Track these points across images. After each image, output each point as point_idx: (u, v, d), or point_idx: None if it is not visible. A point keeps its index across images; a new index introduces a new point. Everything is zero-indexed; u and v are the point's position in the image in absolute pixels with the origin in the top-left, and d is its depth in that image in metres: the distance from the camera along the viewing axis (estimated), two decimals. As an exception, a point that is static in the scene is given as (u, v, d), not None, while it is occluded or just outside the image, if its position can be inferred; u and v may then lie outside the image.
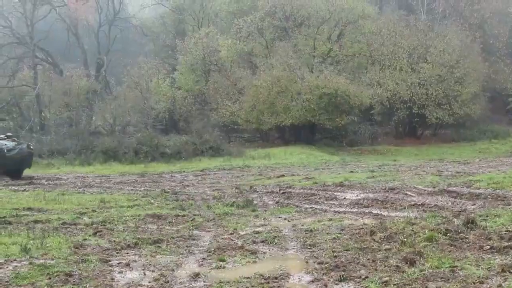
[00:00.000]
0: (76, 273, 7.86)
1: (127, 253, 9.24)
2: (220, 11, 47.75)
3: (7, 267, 8.22)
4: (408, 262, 7.88)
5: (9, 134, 25.30)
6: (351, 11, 39.69)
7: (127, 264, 8.47)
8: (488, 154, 28.49)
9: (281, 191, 16.61)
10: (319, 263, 8.20)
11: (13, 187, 20.12)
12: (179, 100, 41.39)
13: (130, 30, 54.59)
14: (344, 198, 14.94)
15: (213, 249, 9.35)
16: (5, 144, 23.07)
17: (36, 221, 12.10)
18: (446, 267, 7.57)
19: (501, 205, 12.63)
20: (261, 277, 7.59)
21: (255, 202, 14.80)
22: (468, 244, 8.85)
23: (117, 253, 9.25)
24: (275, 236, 10.22)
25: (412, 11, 45.99)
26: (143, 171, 25.93)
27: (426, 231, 9.56)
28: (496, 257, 8.12)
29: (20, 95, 45.68)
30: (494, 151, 31.48)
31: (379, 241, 9.29)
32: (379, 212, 12.68)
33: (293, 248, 9.41)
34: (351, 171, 22.36)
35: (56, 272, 7.86)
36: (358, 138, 38.05)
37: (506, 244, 8.70)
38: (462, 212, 11.86)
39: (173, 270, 8.14)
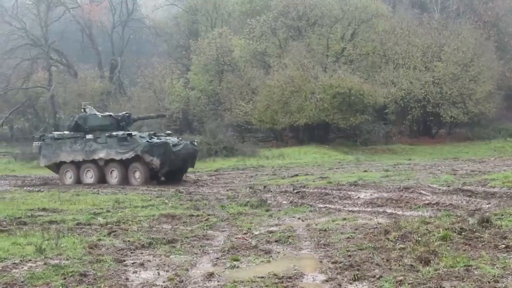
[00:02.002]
0: (91, 273, 7.89)
1: (142, 253, 9.26)
2: (233, 11, 47.79)
3: (22, 267, 8.26)
4: (423, 262, 7.85)
5: (168, 132, 24.00)
6: (365, 10, 39.58)
7: (142, 264, 8.49)
8: (503, 153, 28.32)
9: (295, 191, 16.59)
10: (333, 263, 8.19)
11: (28, 188, 20.25)
12: (193, 100, 41.45)
13: (143, 31, 54.79)
14: (358, 197, 14.90)
15: (227, 249, 9.36)
16: (169, 139, 21.44)
17: (51, 222, 12.16)
18: (461, 266, 7.54)
19: (517, 203, 12.56)
20: (275, 276, 7.59)
21: (269, 201, 14.79)
22: (483, 243, 8.80)
23: (131, 253, 9.28)
24: (289, 236, 10.20)
25: (425, 10, 45.84)
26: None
27: (441, 230, 9.52)
28: (511, 256, 8.08)
29: (35, 97, 45.96)
30: (510, 150, 31.28)
31: (394, 240, 9.26)
32: (393, 211, 12.64)
33: (307, 248, 9.39)
34: (365, 171, 22.30)
35: (71, 272, 7.89)
36: (372, 137, 37.95)
37: (521, 243, 8.66)
38: (477, 211, 11.80)
39: (187, 270, 8.15)
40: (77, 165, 21.71)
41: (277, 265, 8.25)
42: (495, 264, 7.64)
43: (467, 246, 8.69)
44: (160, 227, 11.44)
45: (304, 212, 13.14)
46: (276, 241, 9.92)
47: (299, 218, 12.28)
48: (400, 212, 12.40)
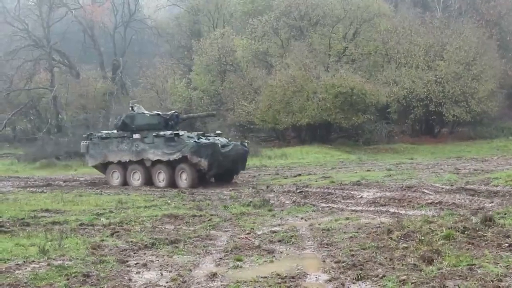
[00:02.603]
0: (94, 273, 7.90)
1: (145, 254, 9.27)
2: (235, 11, 47.82)
3: (25, 268, 8.27)
4: (426, 261, 7.85)
5: (218, 132, 22.71)
6: (366, 9, 39.58)
7: (145, 265, 8.50)
8: (506, 152, 28.29)
9: (298, 191, 16.59)
10: (336, 262, 8.19)
11: (31, 189, 20.26)
12: (195, 100, 41.48)
13: (145, 32, 54.82)
14: (361, 197, 14.90)
15: (230, 249, 9.36)
16: (218, 140, 20.44)
17: (54, 223, 12.17)
18: (464, 265, 7.54)
19: (520, 202, 12.56)
20: (278, 276, 7.59)
21: (271, 201, 14.81)
22: (486, 242, 8.80)
23: (134, 253, 9.29)
24: (292, 236, 10.21)
25: (427, 9, 45.83)
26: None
27: (444, 229, 9.52)
28: (515, 254, 8.07)
29: (37, 98, 45.99)
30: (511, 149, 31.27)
31: (397, 239, 9.26)
32: (396, 210, 12.64)
33: (310, 247, 9.40)
34: (368, 170, 22.29)
35: (74, 273, 7.89)
36: (375, 136, 37.94)
37: (525, 241, 8.66)
38: (480, 210, 11.80)
39: (190, 270, 8.16)
40: (124, 166, 21.05)
41: (280, 265, 8.25)
42: (498, 263, 7.64)
43: (470, 245, 8.69)
44: (163, 228, 11.44)
45: (307, 211, 13.15)
46: (279, 241, 9.92)
47: (302, 218, 12.28)
48: (403, 212, 12.41)
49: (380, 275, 7.38)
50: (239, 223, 11.90)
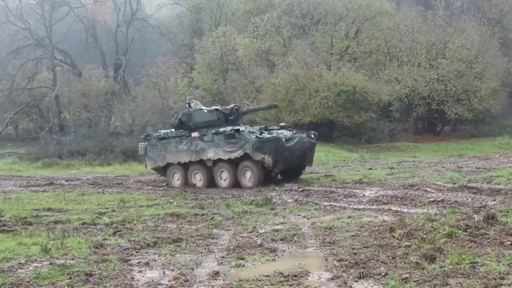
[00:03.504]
0: (96, 272, 7.91)
1: (147, 252, 9.28)
2: (237, 10, 47.78)
3: (28, 268, 8.29)
4: (428, 259, 7.85)
5: (282, 124, 20.84)
6: (368, 8, 39.54)
7: (147, 263, 8.51)
8: (509, 150, 28.25)
9: (300, 189, 16.59)
10: (338, 261, 8.19)
11: (33, 188, 20.28)
12: (197, 99, 41.41)
13: (147, 30, 54.77)
14: (363, 195, 14.91)
15: (232, 248, 9.37)
16: (282, 133, 18.88)
17: (56, 222, 12.20)
18: (467, 264, 7.54)
19: (522, 200, 12.56)
20: (281, 275, 7.60)
21: (274, 200, 14.81)
22: (489, 240, 8.80)
23: (136, 252, 9.30)
24: (294, 234, 10.22)
25: (429, 7, 45.77)
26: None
27: (446, 227, 9.52)
28: (517, 252, 8.07)
29: (39, 97, 45.99)
30: (514, 146, 31.22)
31: (399, 238, 9.26)
32: (398, 208, 12.64)
33: (313, 246, 9.40)
34: (370, 168, 22.28)
35: (76, 272, 7.91)
36: (377, 135, 37.87)
37: (527, 239, 8.66)
38: (483, 208, 11.80)
39: (192, 269, 8.17)
40: (185, 167, 19.82)
41: (283, 264, 8.26)
42: (500, 261, 7.64)
43: (472, 243, 8.69)
44: (165, 226, 11.46)
45: (309, 210, 13.15)
46: (281, 239, 9.93)
47: (304, 216, 12.29)
48: (405, 210, 12.40)
49: (383, 273, 7.38)
50: (241, 221, 11.91)
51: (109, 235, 10.63)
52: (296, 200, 14.83)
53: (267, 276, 7.57)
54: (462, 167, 20.48)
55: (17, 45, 46.03)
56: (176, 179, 20.14)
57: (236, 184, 18.51)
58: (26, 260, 8.69)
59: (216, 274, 7.76)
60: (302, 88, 35.02)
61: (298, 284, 7.24)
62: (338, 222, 11.27)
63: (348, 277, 7.38)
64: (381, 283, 7.09)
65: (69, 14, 48.98)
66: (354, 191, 15.63)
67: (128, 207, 14.40)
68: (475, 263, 7.57)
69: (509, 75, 40.21)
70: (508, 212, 10.98)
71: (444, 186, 15.43)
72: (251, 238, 10.16)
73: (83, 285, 7.40)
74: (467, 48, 36.78)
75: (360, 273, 7.43)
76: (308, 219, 11.97)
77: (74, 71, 47.88)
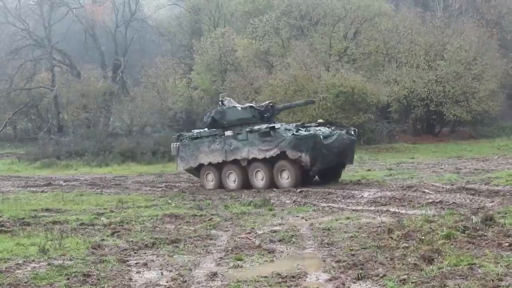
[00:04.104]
0: (94, 273, 7.91)
1: (145, 253, 9.28)
2: (235, 11, 47.73)
3: (25, 268, 8.29)
4: (426, 260, 7.86)
5: (320, 120, 19.94)
6: (367, 9, 39.51)
7: (145, 264, 8.51)
8: (507, 151, 28.21)
9: (298, 190, 16.59)
10: (336, 262, 8.20)
11: (31, 188, 20.27)
12: (196, 100, 41.42)
13: (146, 31, 54.74)
14: (362, 196, 14.92)
15: (230, 249, 9.38)
16: (319, 130, 17.84)
17: (54, 222, 12.21)
18: (465, 265, 7.54)
19: (520, 202, 12.57)
20: (279, 276, 7.60)
21: (272, 201, 14.83)
22: (487, 242, 8.81)
23: (135, 253, 9.31)
24: (293, 235, 10.23)
25: (428, 8, 45.77)
26: (160, 171, 26.01)
27: (444, 228, 9.53)
28: (515, 254, 8.08)
29: (38, 97, 45.96)
30: (512, 148, 31.24)
31: (397, 239, 9.27)
32: (396, 210, 12.65)
33: (311, 247, 9.41)
34: (369, 169, 22.32)
35: (74, 272, 7.92)
36: (376, 136, 37.82)
37: (525, 241, 8.66)
38: (481, 209, 11.81)
39: (190, 269, 8.17)
40: (218, 167, 19.01)
41: (281, 265, 8.27)
42: (499, 263, 7.65)
43: (470, 244, 8.70)
44: (163, 227, 11.47)
45: (307, 211, 13.16)
46: (279, 240, 9.93)
47: (302, 218, 12.30)
48: (403, 211, 12.42)
49: (381, 275, 7.38)
50: (240, 222, 11.92)
51: (107, 236, 10.64)
52: (294, 201, 14.85)
53: (265, 277, 7.57)
54: (460, 169, 20.50)
55: (16, 45, 46.02)
56: (210, 181, 19.40)
57: (272, 184, 17.72)
58: (24, 261, 8.69)
59: (214, 275, 7.77)
60: (301, 89, 35.00)
61: (296, 285, 7.24)
62: (336, 223, 11.28)
63: (346, 278, 7.38)
64: (379, 284, 7.09)
65: (68, 15, 48.97)
66: (353, 192, 15.66)
67: (126, 207, 14.41)
68: (473, 264, 7.58)
69: (508, 77, 40.20)
70: (506, 213, 10.99)
71: (443, 188, 15.45)
72: (249, 239, 10.16)
73: (81, 286, 7.40)
74: (466, 49, 36.77)
75: (358, 274, 7.43)
76: (306, 220, 11.98)
77: (73, 71, 47.86)
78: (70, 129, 39.62)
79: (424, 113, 38.07)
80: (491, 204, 12.50)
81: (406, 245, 8.82)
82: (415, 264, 7.75)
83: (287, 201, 14.93)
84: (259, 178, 18.11)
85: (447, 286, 6.81)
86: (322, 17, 40.38)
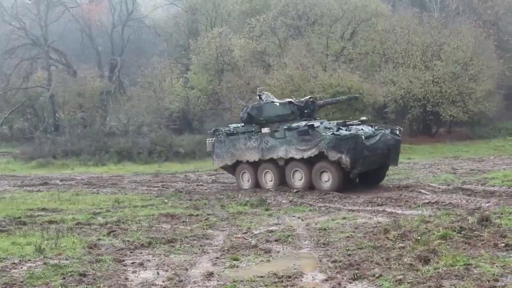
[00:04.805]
0: (90, 273, 7.90)
1: (141, 253, 9.27)
2: (232, 11, 47.74)
3: (21, 267, 8.27)
4: (422, 260, 7.86)
5: (363, 118, 18.53)
6: (364, 9, 39.55)
7: (141, 264, 8.50)
8: (503, 152, 28.27)
9: (295, 190, 16.57)
10: (332, 262, 8.20)
11: (27, 188, 20.23)
12: (192, 99, 41.40)
13: (143, 31, 54.73)
14: (358, 196, 14.93)
15: (226, 248, 9.37)
16: (362, 130, 16.60)
17: (50, 222, 12.18)
18: (461, 265, 7.55)
19: (516, 202, 12.59)
20: (275, 276, 7.60)
21: (268, 201, 14.82)
22: (483, 242, 8.81)
23: (131, 252, 9.29)
24: (289, 235, 10.23)
25: (425, 8, 45.82)
26: (157, 171, 26.00)
27: (440, 229, 9.54)
28: (511, 254, 8.08)
29: (34, 96, 45.91)
30: (509, 149, 31.18)
31: (393, 239, 9.27)
32: (393, 210, 12.66)
33: (307, 247, 9.41)
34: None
35: (70, 272, 7.90)
36: (372, 136, 37.87)
37: (521, 241, 8.67)
38: (477, 209, 11.83)
39: (186, 269, 8.16)
40: (254, 165, 18.22)
41: (277, 265, 8.26)
42: (494, 263, 7.65)
43: (466, 245, 8.70)
44: (159, 227, 11.45)
45: (303, 211, 13.17)
46: (275, 240, 9.93)
47: (298, 218, 12.30)
48: (399, 211, 12.42)
49: (377, 275, 7.38)
50: (236, 222, 11.92)
51: (104, 235, 10.62)
52: (290, 201, 14.85)
53: (261, 277, 7.56)
54: (457, 169, 20.53)
55: (12, 44, 46.01)
56: (246, 180, 18.68)
57: (311, 186, 16.70)
58: (20, 260, 8.67)
59: (210, 275, 7.76)
60: (298, 89, 34.99)
61: (292, 285, 7.24)
62: (333, 223, 11.28)
63: (342, 278, 7.38)
64: (375, 285, 7.09)
65: (64, 14, 48.94)
66: (349, 192, 15.65)
67: (123, 207, 14.39)
68: (469, 264, 7.58)
69: (504, 77, 40.24)
70: (502, 214, 11.00)
71: (439, 188, 15.47)
72: (246, 239, 10.16)
73: (77, 285, 7.39)
74: (463, 50, 36.80)
75: (354, 274, 7.43)
76: (302, 220, 11.98)
77: (69, 71, 47.80)
78: (66, 129, 39.50)
79: (421, 114, 38.11)
80: (487, 204, 12.52)
81: (402, 245, 8.82)
82: (411, 264, 7.75)
83: (284, 201, 14.94)
84: (297, 179, 17.13)
85: (443, 286, 6.81)
86: (319, 17, 40.41)
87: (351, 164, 15.79)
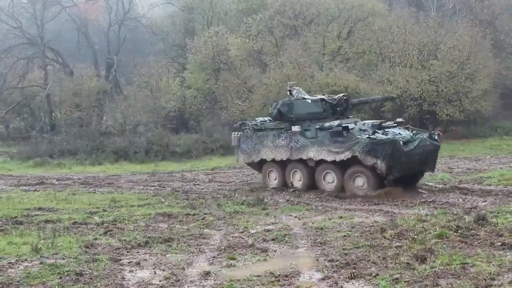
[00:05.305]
0: (87, 272, 7.89)
1: (138, 252, 9.27)
2: (229, 10, 47.73)
3: (18, 267, 8.27)
4: (419, 259, 7.87)
5: (399, 119, 17.17)
6: (361, 9, 39.57)
7: (138, 263, 8.50)
8: (499, 151, 28.29)
9: (292, 189, 16.57)
10: (329, 261, 8.21)
11: (24, 187, 20.20)
12: (189, 99, 41.37)
13: (140, 30, 54.69)
14: (355, 195, 14.92)
15: (223, 248, 9.37)
16: (399, 134, 15.49)
17: (47, 221, 12.17)
18: (457, 264, 7.56)
19: (513, 201, 12.63)
20: (272, 275, 7.61)
21: (265, 200, 14.81)
22: (479, 241, 8.83)
23: (127, 252, 9.29)
24: (286, 234, 10.23)
25: (422, 8, 45.83)
26: (153, 170, 25.96)
27: (437, 228, 9.56)
28: (507, 253, 8.11)
29: (30, 96, 45.82)
30: (506, 148, 31.22)
31: (390, 238, 9.28)
32: (389, 209, 12.67)
33: (304, 246, 9.41)
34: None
35: (67, 271, 7.90)
36: (369, 135, 37.88)
37: (517, 240, 8.69)
38: (473, 208, 11.86)
39: (183, 268, 8.16)
40: (282, 164, 17.33)
41: (274, 264, 8.27)
42: (491, 262, 7.67)
43: (463, 243, 8.72)
44: (156, 226, 11.45)
45: (300, 210, 13.17)
46: (272, 239, 9.94)
47: (295, 217, 12.30)
48: (396, 210, 12.44)
49: (374, 274, 7.39)
50: (233, 221, 11.92)
51: (100, 235, 10.61)
52: (287, 200, 14.86)
53: (258, 276, 7.57)
54: (453, 168, 20.55)
55: (8, 43, 45.87)
56: (273, 179, 17.80)
57: (343, 189, 15.62)
58: (17, 260, 8.67)
59: (207, 274, 7.76)
60: (294, 88, 35.01)
61: (289, 284, 7.24)
62: (330, 222, 11.29)
63: (339, 278, 7.39)
64: (372, 284, 7.10)
65: (61, 13, 48.87)
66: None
67: (119, 206, 14.38)
68: (465, 263, 7.60)
69: (501, 77, 40.28)
70: (498, 213, 11.03)
71: (435, 187, 15.48)
72: (243, 238, 10.16)
73: (73, 285, 7.38)
74: (459, 49, 36.81)
75: (351, 273, 7.44)
76: (299, 219, 11.99)
77: (66, 70, 47.70)
78: (63, 128, 39.40)
79: (417, 113, 38.10)
80: (483, 203, 12.55)
81: (399, 244, 8.83)
82: (408, 263, 7.76)
83: (281, 200, 14.94)
84: (329, 181, 16.15)
85: (440, 285, 6.82)
86: (315, 16, 40.42)
87: (387, 170, 14.76)
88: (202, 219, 12.19)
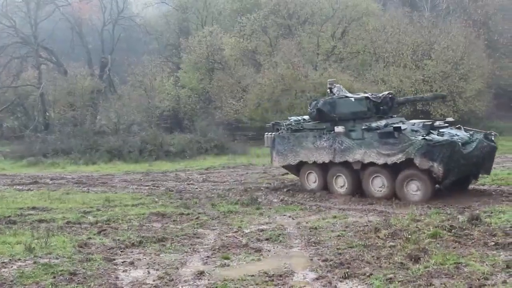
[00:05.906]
0: (81, 272, 7.88)
1: (132, 252, 9.26)
2: (223, 9, 47.74)
3: (11, 267, 8.25)
4: (413, 259, 7.89)
5: (449, 119, 16.06)
6: (355, 8, 39.65)
7: (132, 263, 8.49)
8: (493, 151, 28.36)
9: (286, 189, 16.58)
10: (323, 261, 8.21)
11: (17, 187, 20.15)
12: (183, 98, 41.38)
13: (134, 29, 54.58)
14: (349, 195, 14.94)
15: (217, 247, 9.37)
16: (456, 135, 14.39)
17: (40, 220, 12.14)
18: (451, 264, 7.58)
19: (506, 201, 12.68)
20: (266, 275, 7.61)
21: (259, 200, 14.81)
22: (473, 241, 8.85)
23: (121, 251, 9.28)
24: (280, 234, 10.23)
25: (416, 8, 45.91)
26: (147, 170, 25.91)
27: (431, 227, 9.58)
28: (501, 253, 8.13)
29: (24, 95, 45.72)
30: (499, 148, 31.35)
31: (384, 238, 9.30)
32: (383, 209, 12.69)
33: (298, 246, 9.41)
34: (356, 169, 22.29)
35: (61, 271, 7.88)
36: (363, 135, 37.90)
37: (511, 240, 8.71)
38: (467, 208, 11.88)
39: (177, 268, 8.16)
40: (323, 167, 16.07)
41: (268, 263, 8.27)
42: (484, 261, 7.69)
43: (456, 243, 8.74)
44: (150, 226, 11.44)
45: (294, 210, 13.17)
46: (266, 239, 9.94)
47: (289, 216, 12.30)
48: (390, 210, 12.46)
49: (367, 274, 7.40)
50: (227, 221, 11.91)
51: (94, 234, 10.59)
52: (281, 200, 14.85)
53: (252, 276, 7.57)
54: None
55: (2, 43, 45.71)
56: (312, 181, 16.53)
57: (394, 194, 14.35)
58: (10, 259, 8.64)
59: (201, 274, 7.76)
60: (288, 88, 35.05)
61: (283, 284, 7.24)
62: (323, 222, 11.30)
63: (333, 277, 7.40)
64: (366, 283, 7.11)
65: (54, 12, 48.74)
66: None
67: (113, 206, 14.36)
68: (459, 263, 7.61)
69: (494, 77, 40.39)
70: (492, 213, 11.06)
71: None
72: (236, 237, 10.16)
73: (67, 285, 7.37)
74: (453, 49, 36.90)
75: (345, 273, 7.45)
76: (293, 219, 11.99)
77: (60, 69, 47.59)
78: (56, 127, 39.29)
79: (411, 113, 38.17)
80: (477, 203, 12.58)
81: (393, 244, 8.84)
82: (402, 263, 7.77)
83: (275, 200, 14.93)
84: (378, 186, 14.83)
85: (433, 285, 6.84)
86: (310, 16, 40.48)
87: (443, 174, 13.59)
88: (196, 218, 12.18)
